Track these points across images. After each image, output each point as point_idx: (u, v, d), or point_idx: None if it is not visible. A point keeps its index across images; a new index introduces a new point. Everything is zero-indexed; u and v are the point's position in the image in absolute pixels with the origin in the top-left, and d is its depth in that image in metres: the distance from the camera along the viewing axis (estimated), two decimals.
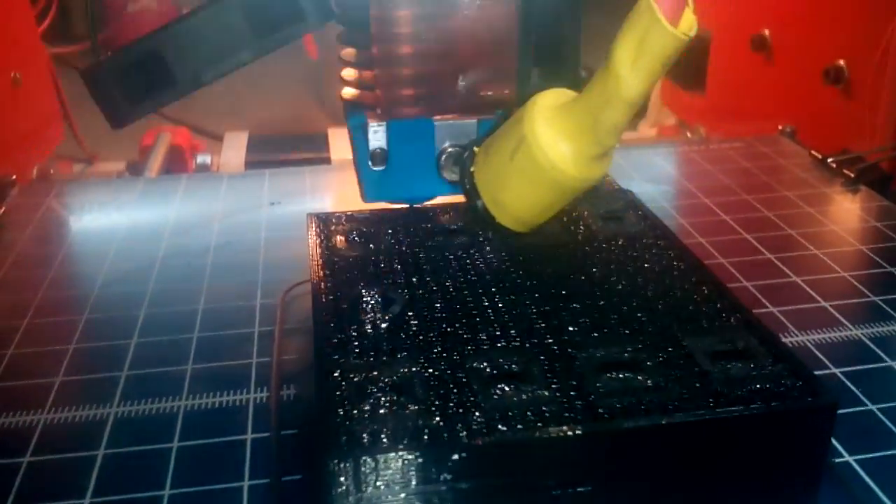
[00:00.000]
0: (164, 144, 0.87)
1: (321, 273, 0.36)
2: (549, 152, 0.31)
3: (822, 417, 0.28)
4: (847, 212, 0.55)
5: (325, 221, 0.41)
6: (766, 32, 0.74)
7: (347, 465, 0.25)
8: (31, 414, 0.35)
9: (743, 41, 0.75)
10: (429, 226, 0.40)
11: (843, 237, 0.50)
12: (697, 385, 0.28)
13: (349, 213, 0.42)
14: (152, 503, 0.30)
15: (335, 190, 0.61)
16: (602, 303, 0.34)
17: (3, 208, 0.56)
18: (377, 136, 0.38)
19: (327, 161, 0.78)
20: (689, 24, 0.28)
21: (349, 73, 0.39)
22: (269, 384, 0.37)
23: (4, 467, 0.32)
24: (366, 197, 0.40)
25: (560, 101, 0.32)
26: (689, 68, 0.83)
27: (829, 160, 0.60)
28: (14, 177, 0.60)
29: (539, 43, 0.36)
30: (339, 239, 0.39)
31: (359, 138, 0.38)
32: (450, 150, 0.38)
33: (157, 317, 0.43)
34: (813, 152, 0.62)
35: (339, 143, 0.83)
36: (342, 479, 0.25)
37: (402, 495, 0.26)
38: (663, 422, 0.27)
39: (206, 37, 0.35)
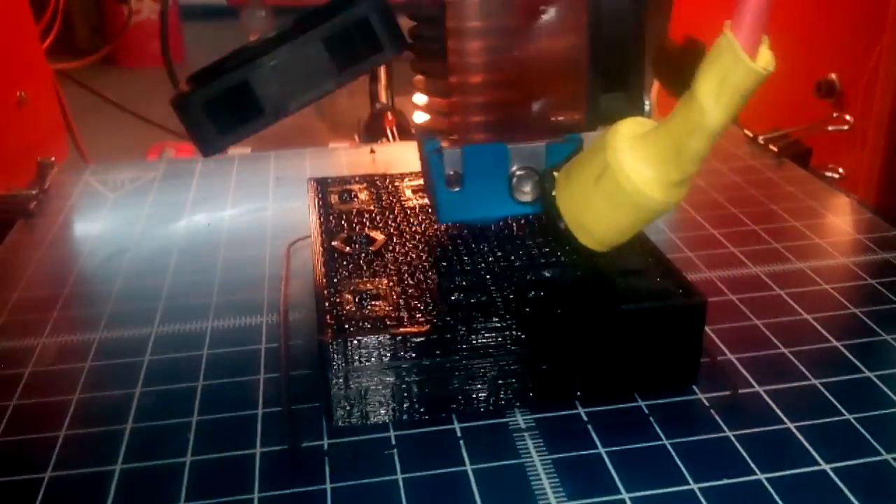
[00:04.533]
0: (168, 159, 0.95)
1: (319, 223, 0.45)
2: (634, 178, 0.32)
3: (694, 313, 0.37)
4: (768, 180, 0.64)
5: (322, 184, 0.50)
6: None
7: (339, 345, 0.35)
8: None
9: None
10: (413, 189, 0.49)
11: (763, 201, 0.60)
12: (605, 291, 0.38)
13: (342, 178, 0.51)
14: None
15: (333, 171, 0.70)
16: (548, 252, 0.43)
17: (46, 188, 0.65)
18: (453, 160, 0.39)
19: None
20: (766, 58, 0.30)
21: (421, 99, 0.41)
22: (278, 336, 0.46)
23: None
24: (441, 217, 0.41)
25: (640, 130, 0.33)
26: (682, 77, 0.90)
27: (759, 138, 0.70)
28: (53, 158, 0.68)
29: (607, 70, 0.38)
30: (334, 198, 0.49)
31: (434, 162, 0.39)
32: (518, 172, 0.40)
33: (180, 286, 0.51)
34: (745, 131, 0.71)
35: None
36: (336, 355, 0.35)
37: (379, 368, 0.35)
38: (573, 313, 0.36)
39: (292, 69, 0.36)
